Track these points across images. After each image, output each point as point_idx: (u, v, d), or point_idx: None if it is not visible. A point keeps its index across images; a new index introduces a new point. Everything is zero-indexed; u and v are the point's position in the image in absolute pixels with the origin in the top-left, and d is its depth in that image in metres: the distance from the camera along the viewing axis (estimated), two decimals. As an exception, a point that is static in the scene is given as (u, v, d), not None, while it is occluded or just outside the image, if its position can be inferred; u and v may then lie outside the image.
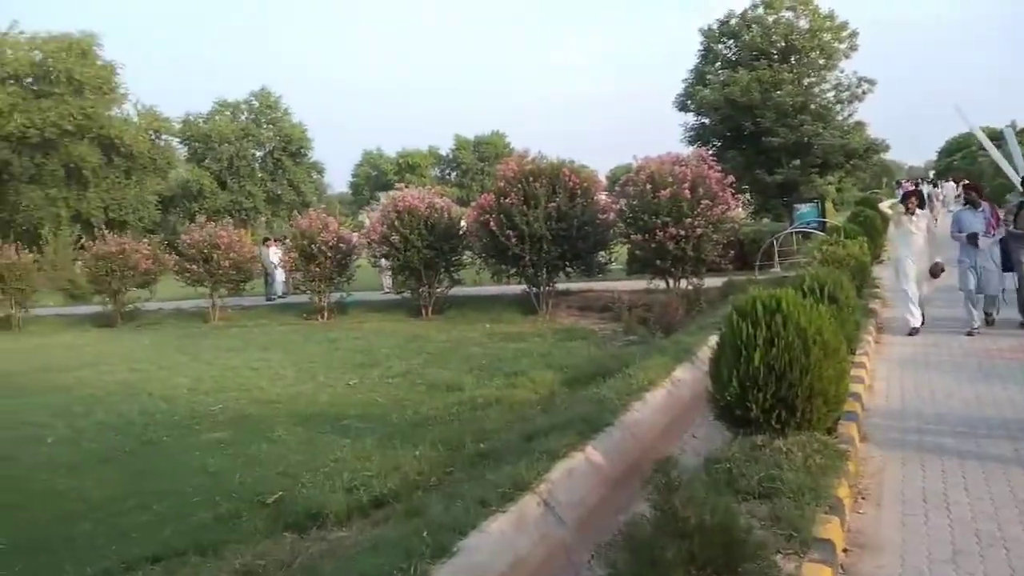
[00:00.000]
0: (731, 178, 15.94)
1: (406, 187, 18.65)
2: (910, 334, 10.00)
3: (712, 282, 16.27)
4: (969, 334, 9.77)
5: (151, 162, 42.99)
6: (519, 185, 16.18)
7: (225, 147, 53.23)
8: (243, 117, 56.78)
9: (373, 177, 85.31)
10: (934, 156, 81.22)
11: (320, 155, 63.64)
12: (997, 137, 25.62)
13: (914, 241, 10.27)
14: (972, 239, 9.91)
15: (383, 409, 9.47)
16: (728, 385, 5.44)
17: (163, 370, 13.19)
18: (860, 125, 28.03)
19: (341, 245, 18.74)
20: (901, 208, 10.90)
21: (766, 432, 5.27)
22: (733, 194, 15.95)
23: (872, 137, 28.17)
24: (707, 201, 14.82)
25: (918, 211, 10.35)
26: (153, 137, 44.19)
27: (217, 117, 55.63)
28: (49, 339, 18.44)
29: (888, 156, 39.45)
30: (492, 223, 16.05)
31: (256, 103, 57.30)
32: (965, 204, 10.83)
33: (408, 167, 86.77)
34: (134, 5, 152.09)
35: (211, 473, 7.56)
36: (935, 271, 10.27)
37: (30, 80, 38.03)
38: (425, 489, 6.39)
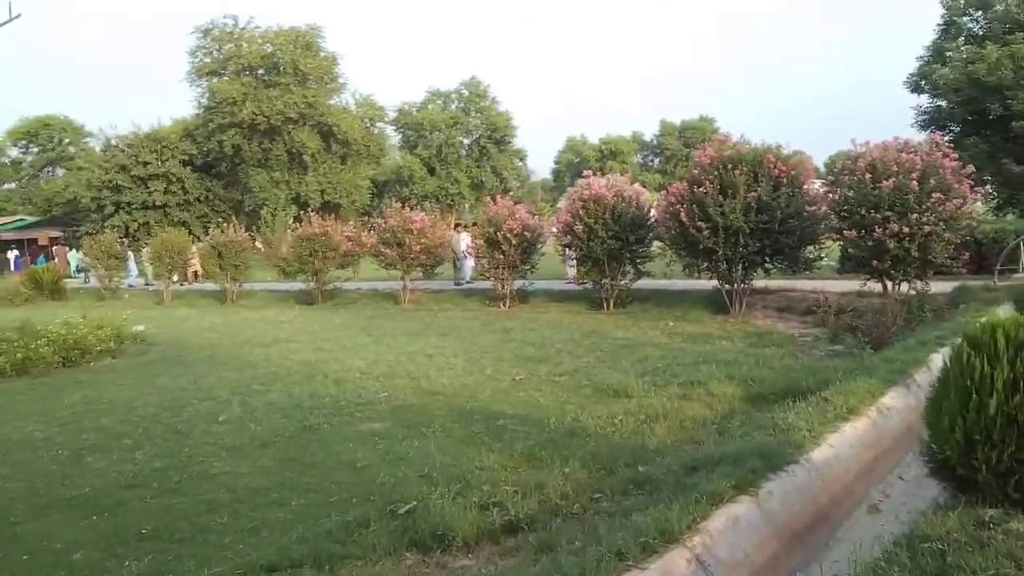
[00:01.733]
0: (970, 168, 13.57)
1: (593, 174, 17.79)
2: None
3: (940, 287, 14.08)
4: None
5: (365, 149, 45.41)
6: (716, 173, 14.83)
7: (435, 135, 55.29)
8: (453, 106, 58.70)
9: (575, 164, 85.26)
10: None
11: (525, 142, 64.57)
12: None
13: None
14: None
15: (543, 411, 8.81)
16: (950, 436, 4.19)
17: (344, 351, 13.41)
18: None
19: (526, 233, 18.33)
20: None
21: (999, 504, 3.97)
22: (972, 186, 13.57)
23: None
24: (939, 194, 12.69)
25: None
26: (368, 125, 46.61)
27: (430, 106, 57.97)
28: (255, 313, 19.70)
29: None
30: (683, 213, 14.86)
31: (466, 92, 58.95)
32: None
33: (611, 153, 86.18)
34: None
35: (357, 469, 7.29)
36: None
37: (261, 71, 41.34)
38: (565, 517, 5.63)
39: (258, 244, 31.68)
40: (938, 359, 8.97)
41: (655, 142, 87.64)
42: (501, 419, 8.57)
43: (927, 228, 12.59)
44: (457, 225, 24.89)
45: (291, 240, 22.44)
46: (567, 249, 18.13)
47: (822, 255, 16.61)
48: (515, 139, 59.91)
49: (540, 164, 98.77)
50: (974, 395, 4.09)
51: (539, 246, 19.39)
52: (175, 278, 26.54)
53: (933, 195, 12.63)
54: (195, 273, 27.86)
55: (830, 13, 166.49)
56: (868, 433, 6.62)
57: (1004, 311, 12.03)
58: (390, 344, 13.91)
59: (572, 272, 19.90)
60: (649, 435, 7.59)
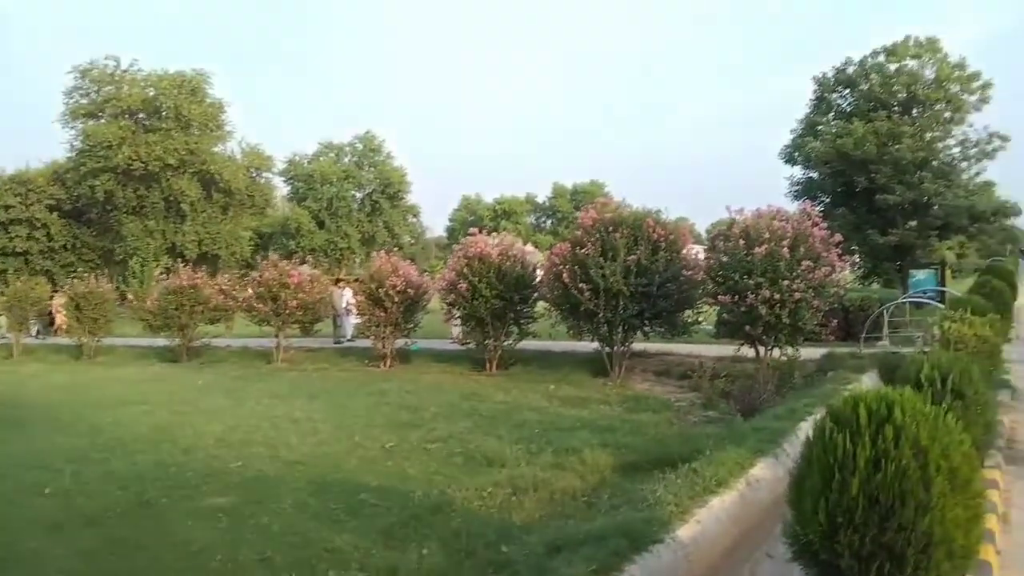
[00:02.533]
0: (838, 237, 14.11)
1: (480, 232, 17.57)
2: None
3: (810, 353, 14.44)
4: None
5: (249, 198, 43.96)
6: (598, 234, 14.88)
7: (326, 188, 54.31)
8: (346, 159, 57.99)
9: (469, 222, 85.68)
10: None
11: (419, 198, 64.22)
12: None
13: None
14: None
15: (409, 483, 8.24)
16: (812, 518, 3.94)
17: (201, 415, 12.41)
18: (988, 185, 25.47)
19: (410, 290, 17.83)
20: None
21: (862, 590, 3.72)
22: (840, 255, 14.10)
23: (1002, 199, 25.51)
24: (809, 262, 13.08)
25: None
26: (254, 174, 45.25)
27: (321, 158, 57.04)
28: (111, 371, 18.21)
29: (1017, 221, 36.03)
30: (565, 274, 14.77)
31: (360, 146, 58.43)
32: None
33: (505, 213, 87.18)
34: (252, 49, 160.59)
35: (192, 552, 6.50)
36: None
37: (142, 115, 39.60)
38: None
39: (129, 295, 29.84)
40: (806, 428, 9.03)
41: (548, 204, 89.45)
42: (363, 492, 7.94)
43: (797, 295, 12.91)
44: (338, 280, 24.07)
45: (158, 292, 21.06)
46: (451, 308, 17.72)
47: (700, 319, 16.88)
48: (409, 195, 59.60)
49: (435, 221, 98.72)
50: (837, 474, 3.86)
51: (423, 304, 18.92)
52: (34, 331, 24.48)
53: (803, 263, 13.00)
54: (60, 327, 25.82)
55: (728, 84, 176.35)
56: (736, 507, 6.41)
57: (869, 378, 12.38)
58: (253, 407, 13.00)
59: (456, 332, 19.47)
60: (517, 509, 7.16)
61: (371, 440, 10.32)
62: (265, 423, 11.57)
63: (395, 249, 51.66)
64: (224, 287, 21.68)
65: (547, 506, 7.19)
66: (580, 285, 14.51)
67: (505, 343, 16.94)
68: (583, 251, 14.72)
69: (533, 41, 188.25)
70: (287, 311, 18.69)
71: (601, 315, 14.68)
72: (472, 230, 17.93)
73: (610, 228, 14.86)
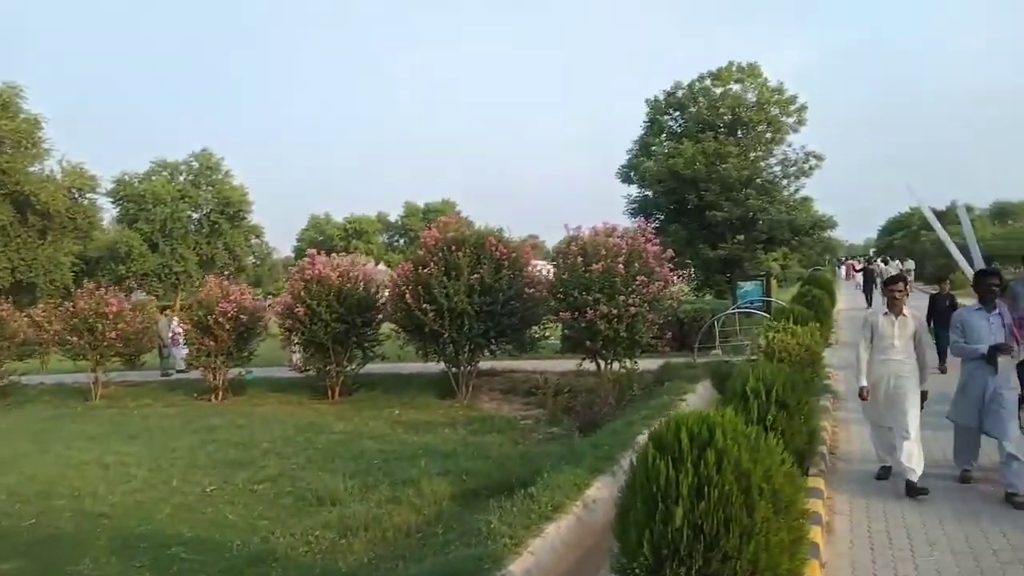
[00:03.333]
0: (670, 252, 14.53)
1: (319, 253, 16.80)
2: (916, 493, 6.52)
3: (648, 365, 14.73)
4: (964, 479, 6.80)
5: (70, 221, 40.47)
6: (440, 254, 14.60)
7: (159, 208, 50.83)
8: (182, 178, 54.60)
9: (318, 242, 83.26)
10: (875, 234, 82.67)
11: (264, 218, 61.39)
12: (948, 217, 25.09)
13: (894, 354, 6.71)
14: (993, 356, 6.47)
15: (229, 532, 7.54)
16: (638, 550, 3.75)
17: (-3, 464, 10.98)
18: (806, 201, 27.37)
19: (243, 316, 16.77)
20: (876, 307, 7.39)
21: (690, 628, 3.56)
22: (672, 269, 14.53)
23: (819, 213, 27.47)
24: (643, 277, 13.35)
25: (905, 311, 6.85)
26: (76, 196, 41.73)
27: (154, 178, 53.38)
28: None
29: (831, 233, 39.06)
30: (408, 295, 14.36)
31: (196, 164, 55.23)
32: (979, 302, 6.87)
33: (356, 233, 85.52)
34: (77, 61, 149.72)
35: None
36: (921, 403, 6.75)
37: (-54, 131, 35.63)
38: None
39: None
40: (643, 440, 9.09)
41: (400, 223, 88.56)
42: (174, 546, 7.19)
43: (633, 309, 13.12)
44: (164, 308, 22.39)
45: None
46: (289, 333, 16.80)
47: (547, 335, 16.92)
48: (251, 214, 56.88)
49: (283, 243, 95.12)
50: (660, 503, 3.71)
51: (259, 331, 17.89)
52: None
53: (638, 278, 13.25)
54: None
55: (581, 105, 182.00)
56: (573, 531, 6.23)
57: (703, 387, 12.75)
58: (61, 452, 11.68)
59: (296, 358, 18.53)
60: (346, 553, 6.67)
61: (191, 484, 9.46)
62: (71, 471, 10.39)
63: (235, 272, 49.32)
64: (38, 318, 19.64)
65: (378, 546, 6.74)
66: (424, 305, 14.15)
67: (348, 368, 16.26)
68: (426, 271, 14.39)
69: (381, 55, 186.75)
70: (105, 343, 17.09)
71: (446, 335, 14.38)
72: (310, 251, 17.10)
73: (453, 247, 14.63)
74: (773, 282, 33.69)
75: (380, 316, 16.45)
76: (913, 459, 6.51)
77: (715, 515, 3.58)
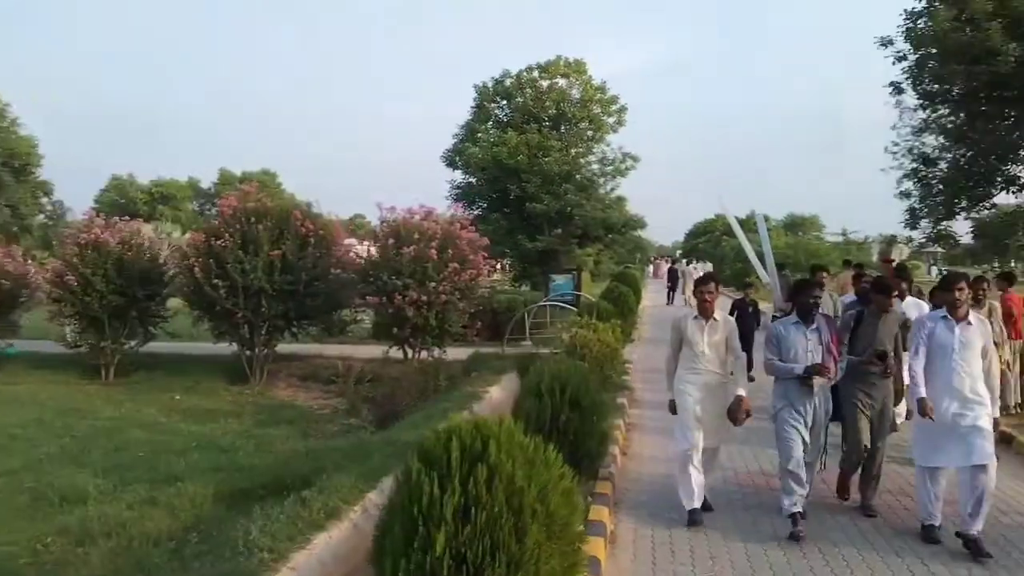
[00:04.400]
0: (485, 240, 14.24)
1: (96, 216, 14.99)
2: (691, 522, 5.87)
3: (458, 354, 14.37)
4: (794, 536, 5.58)
5: None
6: (238, 226, 13.41)
7: (-74, 158, 44.44)
8: (-42, 126, 47.96)
9: (119, 206, 76.52)
10: (682, 237, 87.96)
11: (56, 175, 55.28)
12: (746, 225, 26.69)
13: (704, 362, 5.96)
14: (808, 376, 5.66)
15: (-65, 540, 6.27)
16: (394, 584, 3.25)
17: None
18: (621, 200, 28.23)
19: (4, 282, 14.68)
20: (689, 309, 6.49)
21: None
22: (486, 258, 14.24)
23: (631, 213, 28.45)
24: (456, 264, 12.95)
25: (716, 314, 6.08)
26: None
27: (-79, 123, 46.55)
28: None
29: (641, 233, 40.93)
30: (198, 269, 13.07)
31: (-25, 110, 48.70)
32: (792, 312, 6.24)
33: (163, 198, 79.40)
34: None
35: None
36: (737, 414, 5.88)
37: None
38: None
39: None
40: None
41: (213, 190, 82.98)
42: None
43: (444, 297, 12.71)
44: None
45: None
46: (59, 304, 14.87)
47: (358, 318, 16.16)
48: (40, 168, 51.09)
49: (79, 202, 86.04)
50: (421, 527, 3.22)
51: (26, 298, 15.80)
52: None
53: (451, 265, 12.83)
54: None
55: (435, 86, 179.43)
56: (347, 542, 5.64)
57: (509, 379, 12.56)
58: None
59: (68, 333, 16.52)
60: (80, 566, 5.69)
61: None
62: None
63: (20, 232, 44.08)
64: None
65: (120, 558, 5.81)
66: (215, 281, 12.93)
67: (127, 346, 14.65)
68: (220, 243, 13.15)
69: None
70: None
71: (240, 315, 13.24)
72: (86, 211, 15.24)
73: (253, 219, 13.49)
74: (588, 276, 34.83)
75: (167, 290, 14.99)
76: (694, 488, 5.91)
77: (481, 542, 3.14)
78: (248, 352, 13.97)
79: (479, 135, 27.30)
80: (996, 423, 5.49)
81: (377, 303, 12.94)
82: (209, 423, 10.78)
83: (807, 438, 5.76)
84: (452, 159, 27.87)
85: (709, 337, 5.95)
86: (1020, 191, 14.55)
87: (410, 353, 13.64)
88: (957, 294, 5.52)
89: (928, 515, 5.55)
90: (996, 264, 16.95)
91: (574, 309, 15.29)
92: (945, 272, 6.88)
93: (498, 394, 11.45)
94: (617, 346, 10.15)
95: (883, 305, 6.16)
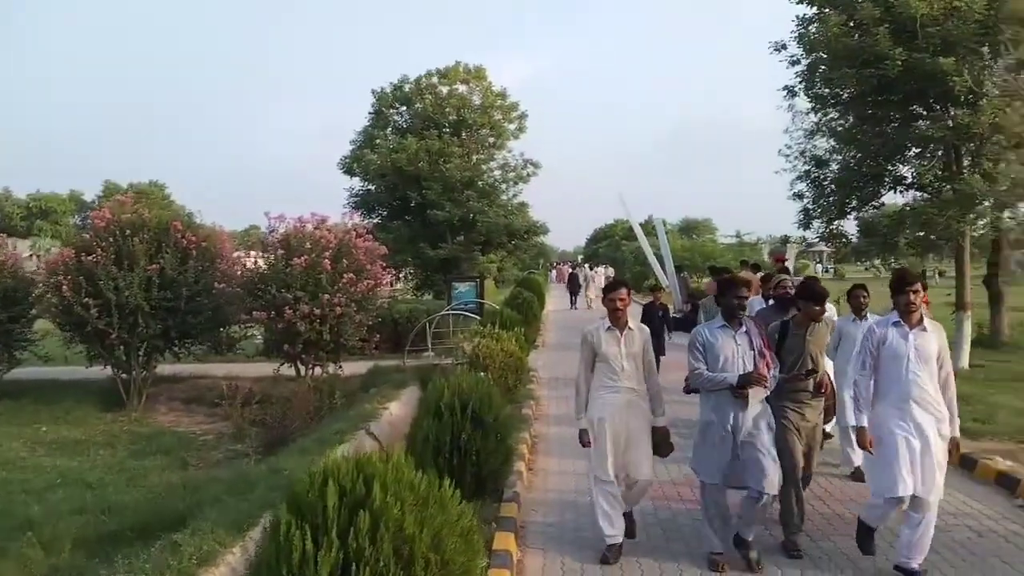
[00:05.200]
0: (383, 249, 13.61)
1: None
2: (603, 560, 5.20)
3: (357, 368, 13.71)
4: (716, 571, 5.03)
5: None
6: (111, 239, 12.34)
7: None
8: None
9: (-9, 221, 71.37)
10: (583, 243, 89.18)
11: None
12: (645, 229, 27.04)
13: (624, 379, 5.21)
14: (742, 387, 4.96)
15: None
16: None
17: None
18: (523, 206, 28.04)
19: None
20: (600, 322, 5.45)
21: None
22: (384, 267, 13.60)
23: (534, 219, 28.31)
24: (351, 274, 12.29)
25: (631, 323, 5.37)
26: None
27: None
28: None
29: (544, 239, 41.06)
30: (66, 287, 11.94)
31: None
32: (723, 318, 5.27)
33: (42, 212, 74.76)
34: None
35: None
36: (663, 449, 5.33)
37: None
38: None
39: None
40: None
41: (97, 204, 78.48)
42: None
43: (339, 310, 12.02)
44: None
45: None
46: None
47: (248, 335, 15.24)
48: None
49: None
50: (291, 588, 2.68)
51: None
52: None
53: (345, 275, 12.16)
54: None
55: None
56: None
57: (410, 393, 12.00)
58: None
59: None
60: None
61: None
62: None
63: None
64: None
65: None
66: (86, 300, 11.84)
67: (-13, 373, 13.30)
68: (91, 258, 12.07)
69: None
70: None
71: (115, 335, 12.17)
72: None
73: (128, 231, 12.45)
74: (491, 283, 34.52)
75: (34, 311, 13.72)
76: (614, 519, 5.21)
77: (361, 605, 2.65)
78: (124, 375, 12.87)
79: (377, 141, 26.56)
80: (957, 444, 4.89)
81: (265, 318, 12.12)
82: (78, 456, 9.75)
83: (739, 459, 4.96)
84: (350, 166, 27.03)
85: (626, 349, 5.21)
86: (907, 190, 15.06)
87: (303, 370, 12.86)
88: (912, 296, 4.80)
89: (906, 558, 4.80)
90: (877, 261, 17.54)
91: (477, 318, 14.85)
92: (897, 269, 5.85)
93: (398, 410, 10.87)
94: (521, 355, 9.77)
95: (814, 314, 5.36)
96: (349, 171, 27.24)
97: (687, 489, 6.67)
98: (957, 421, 4.86)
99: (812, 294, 5.41)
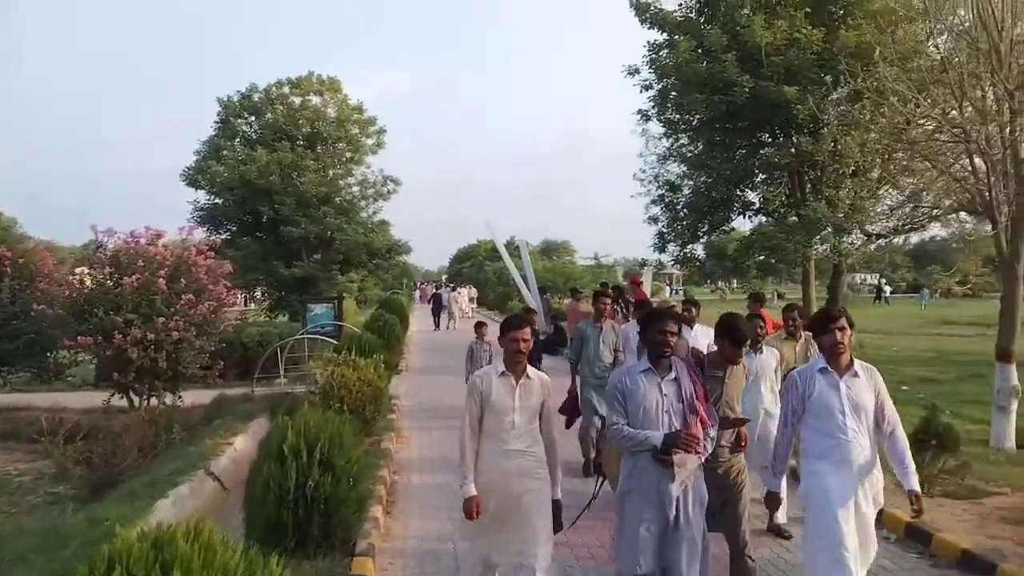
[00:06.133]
0: (228, 267, 12.64)
1: None
2: None
3: (200, 398, 12.64)
4: None
5: None
6: (-94, 256, 10.79)
7: None
8: None
9: None
10: (447, 262, 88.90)
11: None
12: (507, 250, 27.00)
13: (515, 440, 4.20)
14: (666, 451, 3.90)
15: None
16: None
17: None
18: (384, 224, 27.38)
19: None
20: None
21: None
22: (229, 288, 12.64)
23: (396, 237, 27.71)
24: (191, 296, 11.29)
25: (529, 370, 4.33)
26: None
27: None
28: None
29: (408, 258, 40.41)
30: None
31: None
32: (649, 360, 4.17)
33: None
34: None
35: None
36: (555, 523, 4.31)
37: None
38: None
39: None
40: (166, 507, 7.22)
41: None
42: None
43: (176, 334, 11.00)
44: None
45: None
46: None
47: (78, 361, 13.78)
48: None
49: None
50: None
51: None
52: None
53: (184, 297, 11.16)
54: None
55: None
56: None
57: (259, 424, 11.14)
58: None
59: None
60: None
61: None
62: None
63: None
64: None
65: None
66: None
67: None
68: None
69: None
70: None
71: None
72: None
73: (-74, 247, 10.93)
74: (352, 304, 33.44)
75: None
76: None
77: None
78: (-78, 411, 11.25)
79: (224, 152, 25.11)
80: (919, 496, 4.00)
81: (92, 343, 10.92)
82: None
83: (668, 541, 3.96)
84: (194, 178, 25.39)
85: (521, 402, 4.19)
86: (756, 215, 15.74)
87: (137, 401, 11.69)
88: (838, 335, 4.00)
89: None
90: (720, 284, 18.32)
91: (334, 342, 14.09)
92: (824, 309, 4.83)
93: (244, 445, 10.01)
94: (381, 384, 9.19)
95: (733, 356, 4.46)
96: (193, 183, 25.61)
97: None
98: (915, 476, 4.07)
99: (732, 332, 4.41)
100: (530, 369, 4.34)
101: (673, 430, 3.91)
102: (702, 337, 6.36)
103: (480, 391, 4.23)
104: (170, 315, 10.92)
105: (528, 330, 4.34)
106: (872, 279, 55.44)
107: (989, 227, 12.02)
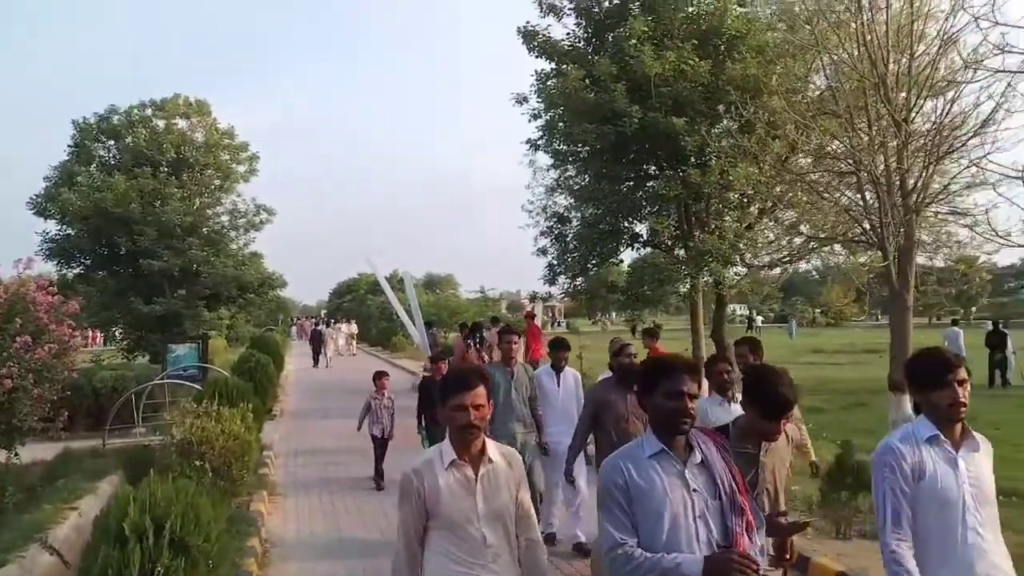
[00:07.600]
0: (74, 306, 11.20)
1: None
2: None
3: (42, 453, 11.15)
4: None
5: None
6: None
7: None
8: None
9: None
10: (326, 297, 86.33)
11: None
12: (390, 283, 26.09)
13: (480, 561, 2.85)
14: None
15: None
16: None
17: None
18: (256, 256, 25.79)
19: None
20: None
21: None
22: (74, 329, 11.18)
23: (270, 271, 26.16)
24: (27, 338, 9.84)
25: (491, 451, 3.01)
26: None
27: None
28: None
29: (284, 293, 38.51)
30: None
31: None
32: (659, 437, 2.72)
33: None
34: None
35: None
36: None
37: None
38: None
39: None
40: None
41: None
42: None
43: (10, 383, 9.52)
44: None
45: None
46: None
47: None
48: None
49: None
50: None
51: None
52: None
53: (19, 339, 9.70)
54: None
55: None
56: None
57: (110, 483, 9.81)
58: None
59: None
60: None
61: None
62: None
63: None
64: None
65: None
66: None
67: None
68: None
69: None
70: None
71: None
72: None
73: None
74: (222, 343, 31.38)
75: None
76: None
77: None
78: None
79: (79, 179, 22.96)
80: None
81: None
82: None
83: None
84: (43, 207, 23.08)
85: (486, 504, 2.88)
86: (644, 247, 15.64)
87: (-39, 461, 10.05)
88: (959, 391, 2.90)
89: None
90: (601, 315, 18.29)
91: (197, 387, 12.76)
92: (930, 349, 3.30)
93: (93, 508, 8.72)
94: (250, 437, 8.15)
95: (769, 432, 3.20)
96: (43, 212, 23.27)
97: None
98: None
99: (765, 401, 3.13)
100: (491, 447, 2.98)
101: (715, 549, 2.51)
102: (720, 412, 5.05)
103: (419, 492, 2.83)
104: (3, 360, 9.44)
105: (483, 389, 2.91)
106: (742, 309, 57.81)
107: (861, 258, 12.35)
